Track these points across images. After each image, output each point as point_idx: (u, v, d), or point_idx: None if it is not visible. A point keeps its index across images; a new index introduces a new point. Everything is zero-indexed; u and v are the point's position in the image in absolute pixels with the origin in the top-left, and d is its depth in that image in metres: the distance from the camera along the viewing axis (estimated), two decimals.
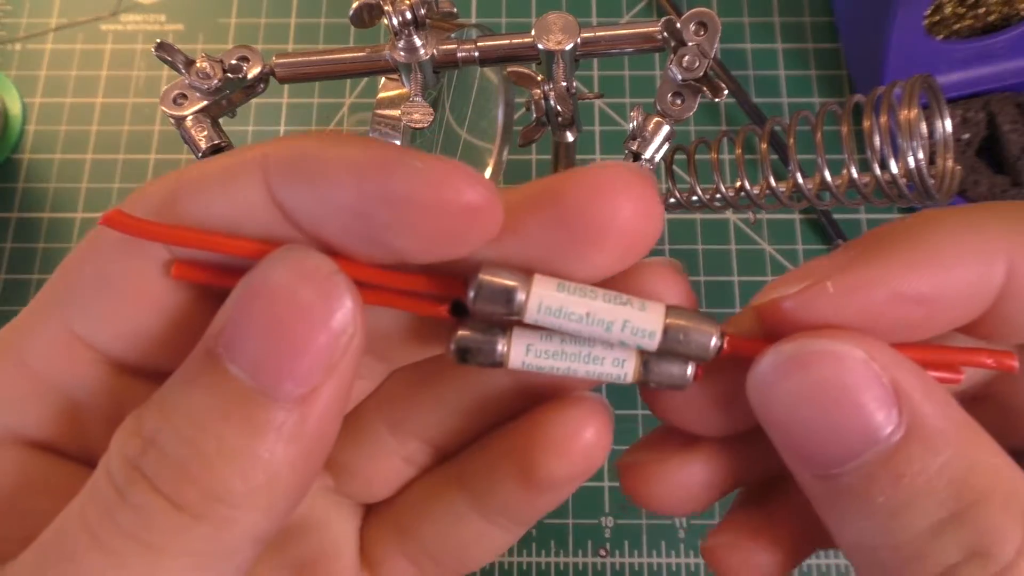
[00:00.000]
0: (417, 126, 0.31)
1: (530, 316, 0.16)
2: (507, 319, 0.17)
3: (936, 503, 0.15)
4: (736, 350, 0.17)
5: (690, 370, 0.17)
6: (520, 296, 0.16)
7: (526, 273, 0.16)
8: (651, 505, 0.20)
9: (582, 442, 0.18)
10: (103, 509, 0.14)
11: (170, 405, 0.15)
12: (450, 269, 0.17)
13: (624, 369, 0.17)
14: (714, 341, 0.17)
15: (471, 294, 0.16)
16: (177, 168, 0.50)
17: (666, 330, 0.17)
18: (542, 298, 0.16)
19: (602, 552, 0.43)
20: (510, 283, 0.16)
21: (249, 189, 0.16)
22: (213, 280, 0.17)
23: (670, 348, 0.17)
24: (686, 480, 0.20)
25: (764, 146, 0.44)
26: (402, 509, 0.22)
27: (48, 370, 0.17)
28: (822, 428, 0.16)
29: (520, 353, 0.17)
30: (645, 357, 0.17)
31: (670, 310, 0.17)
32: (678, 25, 0.31)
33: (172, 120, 0.32)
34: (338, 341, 0.15)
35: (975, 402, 0.19)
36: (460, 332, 0.17)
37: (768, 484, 0.22)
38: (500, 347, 0.17)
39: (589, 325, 0.16)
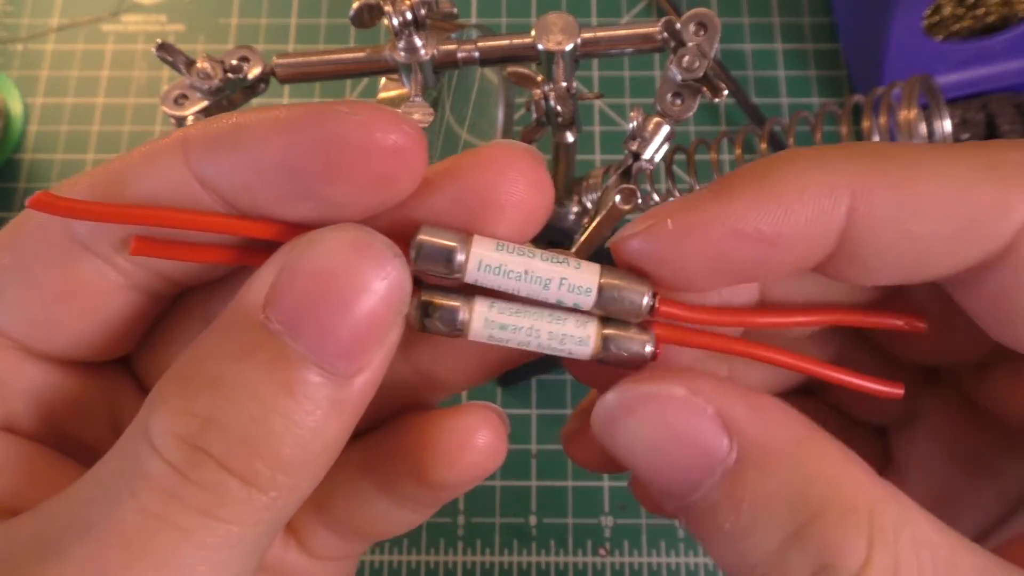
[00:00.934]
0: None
1: (471, 275, 0.17)
2: (448, 279, 0.17)
3: (777, 524, 0.16)
4: (669, 309, 0.18)
5: (648, 348, 0.18)
6: (460, 256, 0.17)
7: (465, 234, 0.17)
8: (593, 468, 0.22)
9: (472, 454, 0.19)
10: (166, 492, 0.15)
11: (226, 383, 0.15)
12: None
13: (586, 331, 0.17)
14: (646, 300, 0.17)
15: (412, 254, 0.17)
16: None
17: (601, 288, 0.17)
18: (482, 256, 0.17)
19: (602, 551, 0.43)
20: (449, 243, 0.17)
21: (170, 168, 0.16)
22: (173, 255, 0.17)
23: (605, 306, 0.17)
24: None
25: (764, 146, 0.44)
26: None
27: None
28: (662, 466, 0.17)
29: (484, 309, 0.17)
30: (604, 334, 0.18)
31: (604, 269, 0.17)
32: (678, 26, 0.31)
33: (173, 120, 0.32)
34: (395, 318, 0.16)
35: (965, 289, 0.18)
36: (422, 295, 0.17)
37: None
38: (462, 313, 0.17)
39: (528, 283, 0.17)
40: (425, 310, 0.17)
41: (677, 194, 0.44)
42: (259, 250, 0.17)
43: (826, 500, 0.16)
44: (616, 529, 0.43)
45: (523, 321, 0.17)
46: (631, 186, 0.32)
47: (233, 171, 0.16)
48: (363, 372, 0.16)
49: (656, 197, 0.44)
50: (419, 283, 0.17)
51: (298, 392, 0.15)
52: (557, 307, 0.18)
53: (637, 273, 0.18)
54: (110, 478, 0.15)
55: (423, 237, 0.17)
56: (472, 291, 0.18)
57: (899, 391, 0.19)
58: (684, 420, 0.16)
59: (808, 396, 0.24)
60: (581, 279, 0.17)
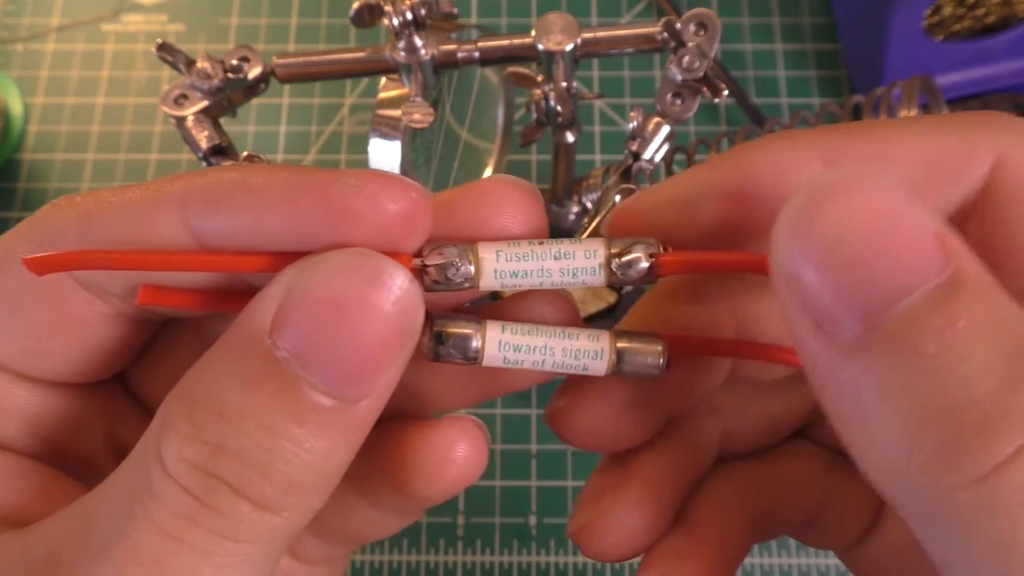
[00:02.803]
0: (417, 126, 0.31)
1: (487, 274, 0.17)
2: (463, 288, 0.17)
3: (1002, 354, 0.13)
4: (669, 266, 0.18)
5: (661, 360, 0.18)
6: (475, 342, 0.17)
7: (477, 322, 0.17)
8: (575, 441, 0.21)
9: (451, 468, 0.18)
10: (182, 515, 0.15)
11: (234, 411, 0.15)
12: None
13: (600, 344, 0.18)
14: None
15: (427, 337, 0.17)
16: (174, 170, 0.51)
17: (619, 353, 0.18)
18: (500, 338, 0.17)
19: None
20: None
21: (167, 224, 0.16)
22: (182, 303, 0.17)
23: (615, 279, 0.17)
24: (601, 416, 0.20)
25: None
26: None
27: None
28: (868, 261, 0.13)
29: (496, 332, 0.17)
30: (618, 349, 0.18)
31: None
32: (678, 26, 0.31)
33: (173, 120, 0.32)
34: (404, 342, 0.16)
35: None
36: (435, 325, 0.17)
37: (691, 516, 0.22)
38: (475, 341, 0.17)
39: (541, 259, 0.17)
40: (439, 339, 0.17)
41: None
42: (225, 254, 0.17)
43: None
44: None
45: (537, 340, 0.17)
46: (631, 186, 0.32)
47: (234, 233, 0.16)
48: (370, 396, 0.16)
49: None
50: (428, 315, 0.17)
51: (307, 419, 0.15)
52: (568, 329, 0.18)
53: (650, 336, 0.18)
54: (122, 498, 0.16)
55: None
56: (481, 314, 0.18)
57: None
58: (908, 217, 0.13)
59: (800, 436, 0.24)
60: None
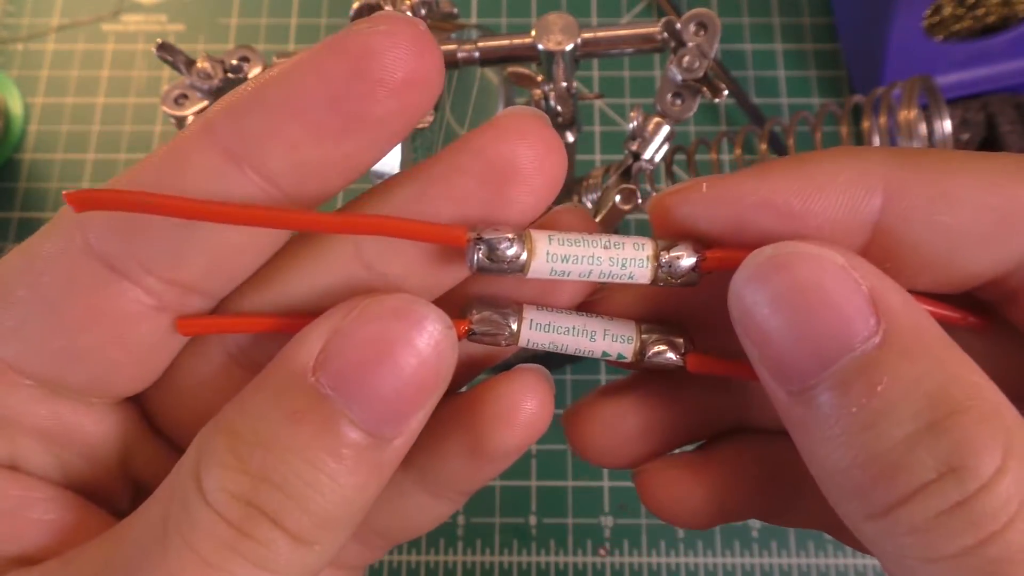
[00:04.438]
0: (418, 126, 0.31)
1: (539, 262, 0.17)
2: (510, 274, 0.17)
3: (912, 413, 0.15)
4: (716, 262, 0.18)
5: (680, 354, 0.19)
6: (523, 254, 0.17)
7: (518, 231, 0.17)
8: (586, 452, 0.21)
9: (525, 412, 0.19)
10: (222, 544, 0.15)
11: (279, 445, 0.15)
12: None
13: (644, 252, 0.18)
14: (691, 259, 0.18)
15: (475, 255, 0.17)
16: None
17: (655, 254, 0.18)
18: (548, 242, 0.17)
19: (602, 551, 0.43)
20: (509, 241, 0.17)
21: (201, 160, 0.16)
22: (225, 330, 0.18)
23: (661, 273, 0.18)
24: (619, 427, 0.21)
25: (763, 146, 0.44)
26: None
27: None
28: (800, 333, 0.16)
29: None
30: (641, 344, 0.19)
31: (658, 240, 0.18)
32: (678, 26, 0.31)
33: (173, 120, 0.32)
34: (441, 385, 0.17)
35: (1013, 304, 0.18)
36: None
37: (713, 444, 0.22)
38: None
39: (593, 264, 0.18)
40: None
41: None
42: (301, 317, 0.17)
43: (968, 400, 0.15)
44: (616, 529, 0.43)
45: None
46: (631, 186, 0.32)
47: (270, 128, 0.16)
48: (402, 436, 0.16)
49: None
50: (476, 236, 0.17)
51: (345, 456, 0.16)
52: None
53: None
54: (154, 527, 0.16)
55: (484, 235, 0.17)
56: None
57: (979, 321, 0.18)
58: (838, 288, 0.15)
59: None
60: (638, 253, 0.18)
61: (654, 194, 0.19)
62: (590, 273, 0.17)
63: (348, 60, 0.16)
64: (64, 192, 0.16)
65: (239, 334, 0.19)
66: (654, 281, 0.18)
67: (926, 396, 0.15)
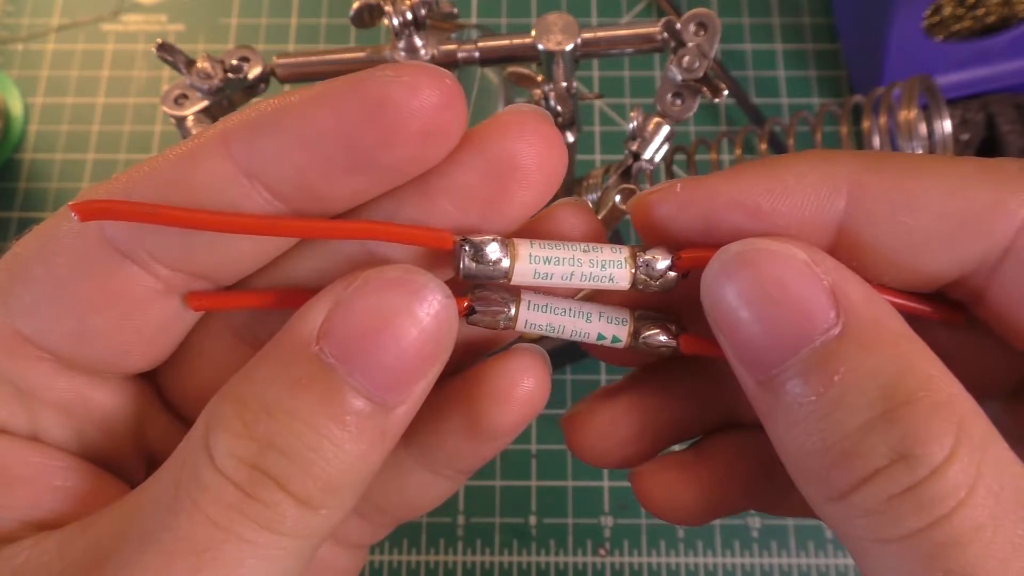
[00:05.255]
0: None
1: (522, 264, 0.18)
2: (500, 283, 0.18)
3: (866, 402, 0.15)
4: (691, 262, 0.18)
5: (673, 336, 0.19)
6: (506, 261, 0.18)
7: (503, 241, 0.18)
8: (585, 453, 0.22)
9: (523, 390, 0.19)
10: (230, 506, 0.16)
11: (284, 411, 0.16)
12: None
13: (621, 254, 0.18)
14: (666, 261, 0.19)
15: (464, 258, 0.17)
16: None
17: (632, 255, 0.18)
18: (531, 245, 0.18)
19: (602, 551, 0.43)
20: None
21: (213, 166, 0.16)
22: (233, 306, 0.18)
23: (639, 275, 0.18)
24: (615, 430, 0.22)
25: (763, 146, 0.44)
26: None
27: None
28: (763, 326, 0.16)
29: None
30: (636, 326, 0.19)
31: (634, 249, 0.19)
32: (678, 26, 0.31)
33: (173, 120, 0.32)
34: (442, 354, 0.17)
35: (979, 303, 0.19)
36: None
37: (705, 441, 0.23)
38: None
39: (574, 277, 0.18)
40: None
41: None
42: (306, 292, 0.18)
43: (921, 391, 0.15)
44: (616, 529, 0.43)
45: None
46: (631, 186, 0.32)
47: (282, 153, 0.16)
48: (406, 403, 0.17)
49: None
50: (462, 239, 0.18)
51: (348, 422, 0.16)
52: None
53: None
54: (167, 492, 0.16)
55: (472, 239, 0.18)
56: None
57: (959, 317, 0.19)
58: (799, 283, 0.16)
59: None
60: (616, 255, 0.18)
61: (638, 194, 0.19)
62: (572, 275, 0.18)
63: (365, 105, 0.16)
64: (70, 204, 0.16)
65: (245, 313, 0.20)
66: (633, 284, 0.18)
67: (881, 386, 0.15)
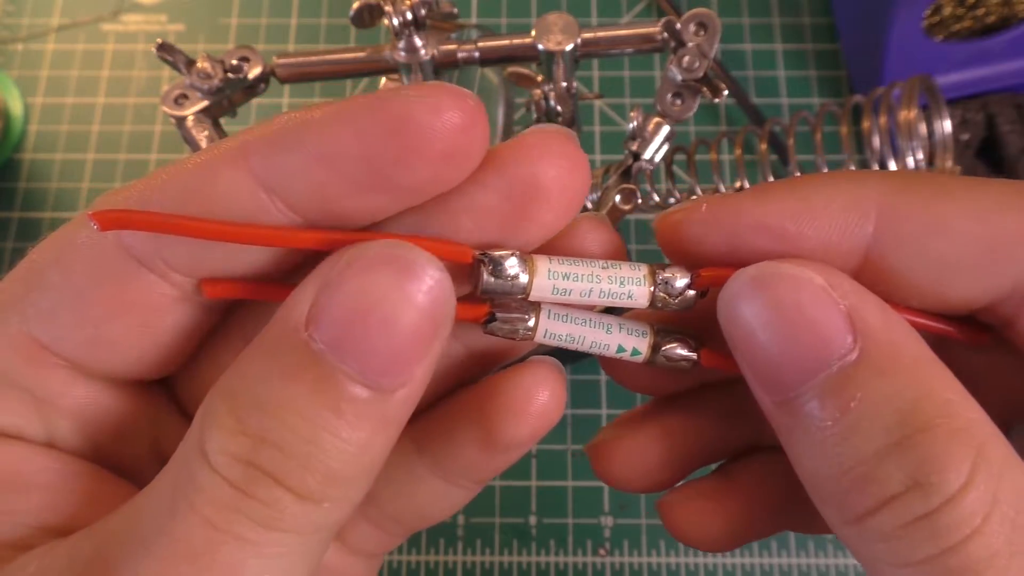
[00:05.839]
0: None
1: (541, 279, 0.17)
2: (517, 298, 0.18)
3: (882, 428, 0.15)
4: (709, 280, 0.18)
5: (693, 350, 0.19)
6: (524, 276, 0.17)
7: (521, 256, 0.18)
8: (612, 480, 0.22)
9: (538, 403, 0.19)
10: (226, 506, 0.15)
11: (275, 404, 0.15)
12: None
13: (640, 271, 0.18)
14: (685, 279, 0.19)
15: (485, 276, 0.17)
16: None
17: (651, 273, 0.18)
18: (550, 261, 0.18)
19: (602, 552, 0.43)
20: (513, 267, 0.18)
21: (232, 179, 0.16)
22: (247, 295, 0.18)
23: (657, 293, 0.18)
24: (642, 457, 0.21)
25: (763, 146, 0.44)
26: None
27: (6, 369, 0.18)
28: (780, 349, 0.16)
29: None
30: (656, 339, 0.19)
31: (654, 266, 0.19)
32: (678, 26, 0.31)
33: (173, 120, 0.32)
34: (438, 331, 0.16)
35: (1011, 329, 0.18)
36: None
37: (731, 466, 0.22)
38: (530, 319, 0.18)
39: (592, 294, 0.18)
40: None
41: (677, 194, 0.44)
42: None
43: (939, 417, 0.15)
44: (616, 529, 0.43)
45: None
46: (631, 186, 0.32)
47: (301, 169, 0.16)
48: (406, 386, 0.16)
49: (656, 197, 0.44)
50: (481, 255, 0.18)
51: (344, 410, 0.15)
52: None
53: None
54: (166, 494, 0.16)
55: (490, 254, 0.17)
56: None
57: (983, 337, 0.19)
58: (816, 307, 0.16)
59: None
60: (635, 273, 0.18)
61: (658, 212, 0.19)
62: (590, 292, 0.18)
63: (386, 124, 0.16)
64: (89, 213, 0.16)
65: (259, 319, 0.19)
66: (652, 302, 0.18)
67: (898, 412, 0.15)
